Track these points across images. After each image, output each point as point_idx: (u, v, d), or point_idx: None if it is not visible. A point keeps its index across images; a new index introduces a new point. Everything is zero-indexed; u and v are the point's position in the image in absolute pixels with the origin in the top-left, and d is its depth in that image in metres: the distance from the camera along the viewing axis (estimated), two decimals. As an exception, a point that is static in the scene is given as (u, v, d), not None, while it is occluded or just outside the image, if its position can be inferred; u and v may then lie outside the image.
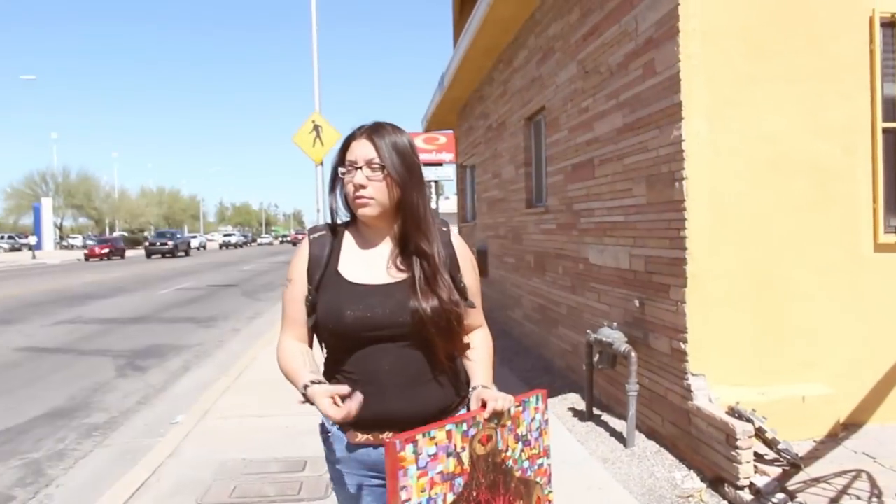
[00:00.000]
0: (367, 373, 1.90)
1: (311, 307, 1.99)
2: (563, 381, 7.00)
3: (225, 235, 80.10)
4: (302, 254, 2.05)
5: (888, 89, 4.82)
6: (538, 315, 8.53)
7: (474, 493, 1.77)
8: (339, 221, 2.10)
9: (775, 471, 3.95)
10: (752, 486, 3.86)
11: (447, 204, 37.51)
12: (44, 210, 65.27)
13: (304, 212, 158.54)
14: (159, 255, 48.29)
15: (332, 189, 2.04)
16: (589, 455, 4.95)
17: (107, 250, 46.84)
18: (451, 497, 1.73)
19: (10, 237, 68.37)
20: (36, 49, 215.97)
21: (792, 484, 3.85)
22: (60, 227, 74.22)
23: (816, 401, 4.54)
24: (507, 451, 1.84)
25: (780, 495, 3.71)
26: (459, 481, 1.74)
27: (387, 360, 1.90)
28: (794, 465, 3.99)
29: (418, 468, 1.69)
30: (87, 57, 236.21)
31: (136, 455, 5.49)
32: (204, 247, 68.54)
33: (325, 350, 2.03)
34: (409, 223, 1.96)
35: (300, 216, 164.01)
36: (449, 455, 1.73)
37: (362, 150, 1.94)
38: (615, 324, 5.39)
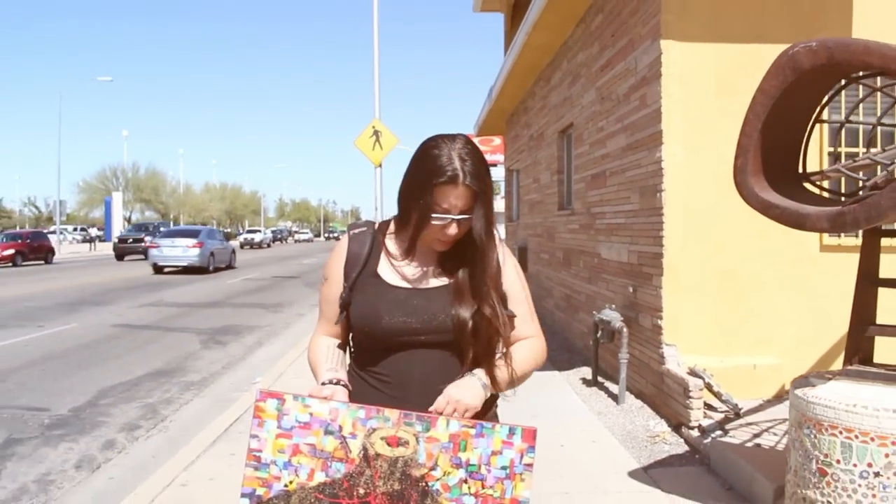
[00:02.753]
0: (398, 376, 1.86)
1: (345, 305, 1.94)
2: (579, 357, 8.24)
3: (248, 232, 65.85)
4: (340, 250, 1.99)
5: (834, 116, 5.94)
6: (564, 303, 9.78)
7: (360, 491, 1.68)
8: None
9: (719, 416, 5.16)
10: (700, 427, 5.08)
11: (496, 204, 38.73)
12: (114, 204, 68.21)
13: (362, 209, 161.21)
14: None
15: (415, 200, 1.85)
16: (588, 410, 6.20)
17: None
18: (321, 476, 1.68)
19: (82, 229, 71.90)
20: (110, 48, 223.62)
21: (730, 426, 5.05)
22: (129, 220, 77.49)
23: (766, 369, 5.72)
24: (433, 469, 1.68)
25: (718, 432, 4.92)
26: (338, 466, 1.68)
27: (420, 365, 1.86)
28: (736, 413, 5.18)
29: (280, 427, 1.70)
30: (158, 56, 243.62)
31: (226, 404, 6.90)
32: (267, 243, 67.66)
33: (353, 344, 2.02)
34: (475, 244, 1.88)
35: (358, 213, 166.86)
36: (328, 433, 1.69)
37: (460, 200, 1.82)
38: (614, 306, 6.63)
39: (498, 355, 1.90)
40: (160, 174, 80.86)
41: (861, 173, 3.56)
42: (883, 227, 3.49)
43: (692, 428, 5.13)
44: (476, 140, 26.02)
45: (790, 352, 5.83)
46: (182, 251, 25.26)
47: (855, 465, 3.10)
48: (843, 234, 5.80)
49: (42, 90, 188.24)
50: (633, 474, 4.63)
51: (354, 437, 1.69)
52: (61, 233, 51.39)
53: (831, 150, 5.89)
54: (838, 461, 3.14)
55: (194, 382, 8.02)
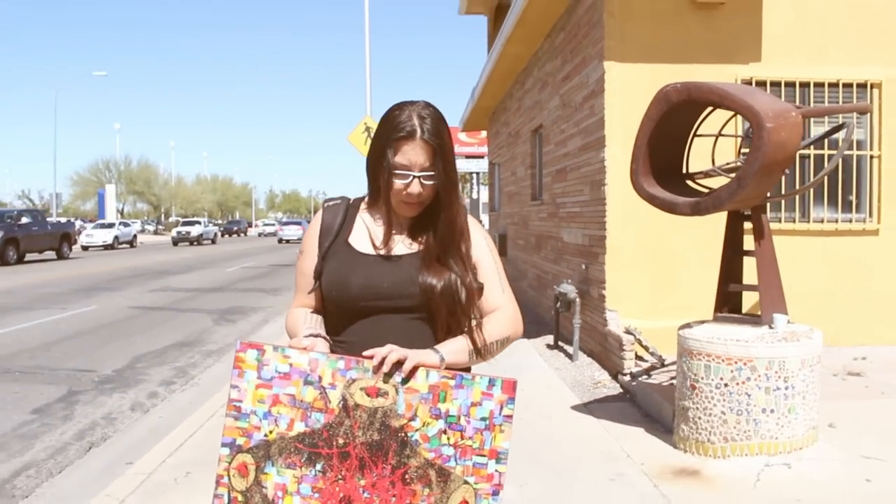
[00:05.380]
0: (366, 341, 1.83)
1: (318, 274, 1.97)
2: (546, 328, 9.55)
3: (184, 224, 51.29)
4: (315, 223, 2.05)
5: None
6: (536, 283, 11.10)
7: (340, 441, 1.69)
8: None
9: (646, 365, 6.47)
10: (630, 373, 6.38)
11: (482, 194, 39.99)
12: (108, 196, 68.97)
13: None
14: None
15: (379, 167, 1.93)
16: (547, 367, 7.50)
17: None
18: (301, 426, 1.70)
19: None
20: (103, 41, 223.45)
21: (655, 373, 6.35)
22: (122, 213, 78.30)
23: (690, 329, 7.02)
24: (412, 420, 1.70)
25: (644, 377, 6.23)
26: (318, 417, 1.70)
27: (390, 331, 1.86)
28: (661, 363, 6.48)
29: (260, 377, 1.72)
30: (149, 49, 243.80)
31: (245, 366, 8.16)
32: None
33: (326, 317, 2.01)
34: (441, 210, 1.95)
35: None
36: (308, 383, 1.71)
37: (418, 156, 1.88)
38: (571, 280, 7.94)
39: (475, 323, 1.94)
40: (152, 166, 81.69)
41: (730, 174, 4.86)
42: (743, 213, 4.79)
43: (625, 375, 6.43)
44: (463, 134, 27.29)
45: (708, 316, 7.10)
46: (294, 231, 48.48)
47: (712, 380, 4.41)
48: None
49: (33, 83, 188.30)
50: (575, 408, 5.93)
51: (334, 387, 1.70)
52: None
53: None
54: (702, 378, 4.46)
55: (213, 351, 9.29)
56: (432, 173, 1.89)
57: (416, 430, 1.69)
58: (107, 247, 40.08)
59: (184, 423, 5.82)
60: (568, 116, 8.67)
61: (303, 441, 1.71)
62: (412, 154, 1.88)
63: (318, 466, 1.70)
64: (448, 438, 1.70)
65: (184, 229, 48.86)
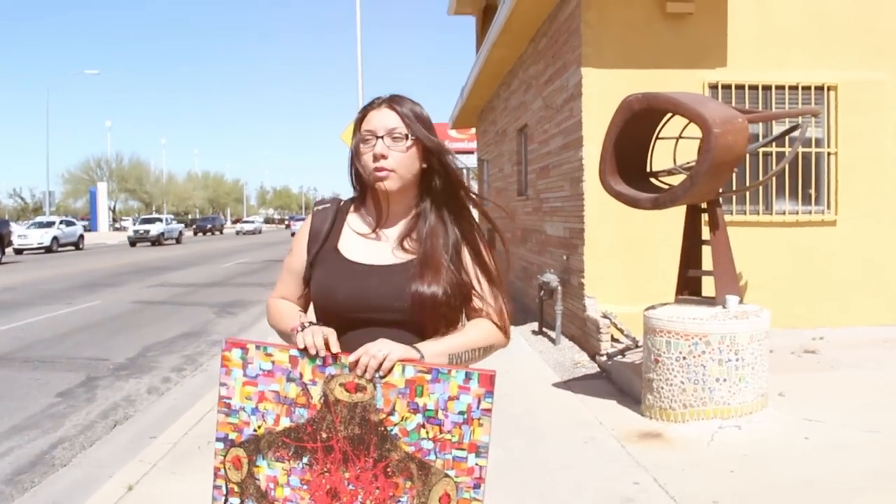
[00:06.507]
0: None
1: (307, 280, 1.97)
2: (531, 316, 10.14)
3: (142, 221, 45.02)
4: (304, 226, 2.01)
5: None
6: (522, 273, 11.70)
7: (323, 435, 1.73)
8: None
9: (620, 346, 7.07)
10: (607, 354, 6.98)
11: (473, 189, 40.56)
12: (99, 194, 69.28)
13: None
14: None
15: (352, 159, 1.93)
16: (532, 350, 8.10)
17: None
18: (286, 421, 1.75)
19: (65, 220, 72.98)
20: (91, 39, 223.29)
21: (629, 353, 6.95)
22: (114, 210, 78.60)
23: (662, 314, 7.62)
24: (390, 414, 1.70)
25: (619, 357, 6.83)
26: (302, 412, 1.74)
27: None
28: (636, 344, 7.08)
29: (245, 375, 1.77)
30: (139, 46, 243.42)
31: (249, 354, 8.72)
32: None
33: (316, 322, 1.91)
34: (448, 188, 1.93)
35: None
36: (290, 380, 1.75)
37: (382, 119, 1.87)
38: (553, 270, 8.53)
39: (460, 326, 1.92)
40: (143, 164, 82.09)
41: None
42: (700, 207, 5.38)
43: (602, 355, 7.03)
44: (454, 131, 27.74)
45: (681, 302, 7.73)
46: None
47: (673, 354, 5.01)
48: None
49: (23, 82, 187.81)
50: (556, 385, 6.53)
51: (315, 383, 1.73)
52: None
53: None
54: (664, 352, 5.06)
55: (217, 341, 9.84)
56: (400, 135, 1.86)
57: (395, 425, 1.70)
58: (46, 250, 34.25)
59: (198, 404, 6.37)
60: (550, 117, 9.25)
61: (289, 435, 1.75)
62: (376, 119, 1.88)
63: (305, 460, 1.74)
64: (427, 433, 1.70)
65: (142, 227, 42.32)
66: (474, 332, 1.90)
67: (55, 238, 34.91)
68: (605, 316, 7.30)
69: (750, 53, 7.85)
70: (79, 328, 10.82)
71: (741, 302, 5.29)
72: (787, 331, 7.60)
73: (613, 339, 7.19)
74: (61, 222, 37.18)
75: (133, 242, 41.19)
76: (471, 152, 31.55)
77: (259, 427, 1.77)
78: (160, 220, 44.54)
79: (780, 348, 6.94)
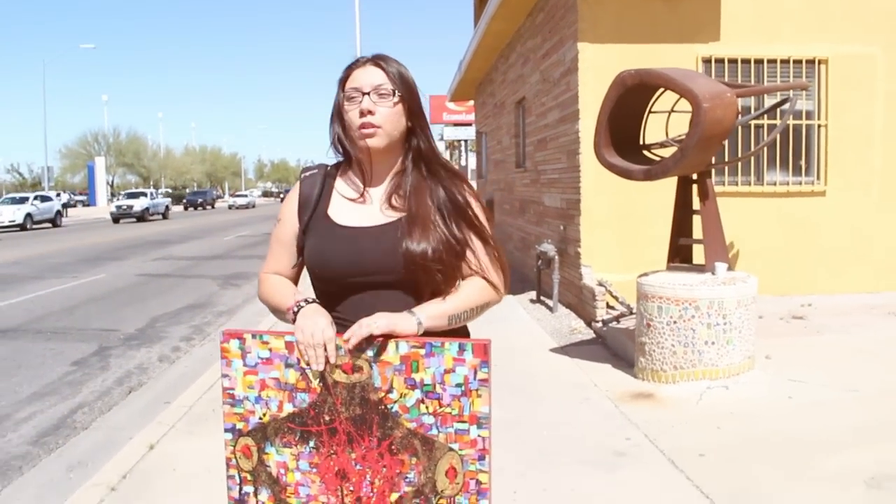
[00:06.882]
0: (355, 318, 1.74)
1: (301, 250, 1.95)
2: (529, 285, 10.38)
3: (126, 196, 42.42)
4: (293, 193, 1.98)
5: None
6: (520, 244, 11.94)
7: (326, 418, 1.75)
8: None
9: (615, 312, 7.32)
10: (602, 320, 7.24)
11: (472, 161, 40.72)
12: (97, 169, 69.13)
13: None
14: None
15: (333, 120, 1.92)
16: (530, 318, 8.36)
17: None
18: (289, 407, 1.76)
19: (41, 195, 72.56)
20: (87, 13, 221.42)
21: (623, 319, 7.20)
22: (112, 185, 78.55)
23: (656, 282, 7.87)
24: (389, 392, 1.71)
25: (614, 323, 7.08)
26: (303, 397, 1.75)
27: (375, 306, 1.77)
28: (630, 311, 7.33)
29: (245, 365, 1.78)
30: (134, 20, 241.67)
31: (255, 325, 8.98)
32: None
33: (316, 294, 1.94)
34: (424, 149, 1.92)
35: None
36: (288, 365, 1.76)
37: (368, 76, 1.85)
38: (550, 240, 8.77)
39: (456, 285, 1.90)
40: (141, 138, 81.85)
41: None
42: (691, 178, 5.61)
43: (598, 322, 7.29)
44: (452, 103, 27.78)
45: (675, 270, 7.97)
46: None
47: (664, 318, 5.26)
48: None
49: (19, 57, 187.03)
50: (553, 350, 6.79)
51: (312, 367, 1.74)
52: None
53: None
54: (656, 317, 5.30)
55: (224, 311, 10.10)
56: (387, 91, 1.84)
57: (395, 402, 1.71)
58: (20, 227, 32.03)
59: (208, 371, 6.62)
60: (547, 91, 9.43)
61: (293, 421, 1.77)
62: (362, 76, 1.86)
63: (311, 443, 1.76)
64: (427, 407, 1.70)
65: (125, 203, 39.40)
66: (468, 290, 1.88)
67: (28, 215, 32.76)
68: (600, 284, 7.55)
69: (743, 28, 8.03)
70: (87, 300, 11.07)
71: (731, 269, 5.53)
72: (777, 298, 7.86)
73: (608, 307, 7.44)
74: (36, 197, 34.89)
75: (116, 219, 38.29)
76: (469, 124, 31.72)
77: (264, 414, 1.79)
78: (144, 194, 42.05)
79: (769, 314, 7.21)
